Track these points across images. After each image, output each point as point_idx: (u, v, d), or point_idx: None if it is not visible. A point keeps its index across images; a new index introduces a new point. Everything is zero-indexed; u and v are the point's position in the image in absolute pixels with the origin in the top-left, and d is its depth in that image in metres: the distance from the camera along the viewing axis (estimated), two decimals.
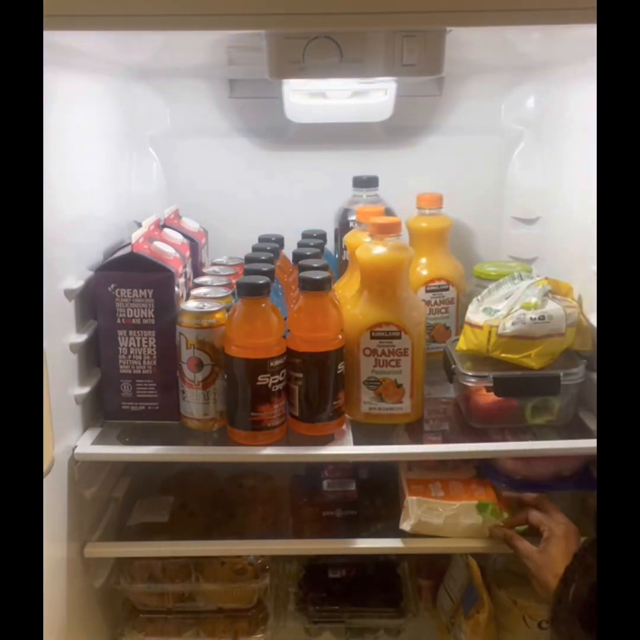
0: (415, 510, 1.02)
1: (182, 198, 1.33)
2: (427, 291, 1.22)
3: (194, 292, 1.07)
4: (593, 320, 1.05)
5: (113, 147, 1.24)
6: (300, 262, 1.09)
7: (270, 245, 1.17)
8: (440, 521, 1.01)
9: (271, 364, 0.97)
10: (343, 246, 1.22)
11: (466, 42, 0.95)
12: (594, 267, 0.95)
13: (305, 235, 1.25)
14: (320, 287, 0.98)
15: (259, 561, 1.13)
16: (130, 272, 1.01)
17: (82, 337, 1.02)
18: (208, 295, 1.04)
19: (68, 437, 1.00)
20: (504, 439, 1.04)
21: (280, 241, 1.22)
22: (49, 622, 0.91)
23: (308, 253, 1.13)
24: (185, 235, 1.18)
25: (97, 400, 1.07)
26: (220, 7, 0.75)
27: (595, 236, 0.70)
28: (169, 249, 1.06)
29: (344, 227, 1.26)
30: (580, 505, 1.12)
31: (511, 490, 1.06)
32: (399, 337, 1.01)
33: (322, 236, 1.25)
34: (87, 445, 1.02)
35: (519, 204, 1.35)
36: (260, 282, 0.97)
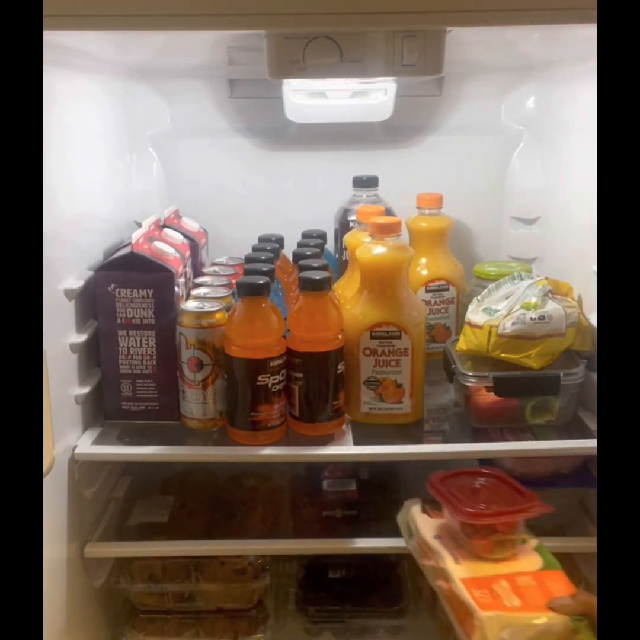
0: (496, 632, 0.76)
1: (182, 198, 1.33)
2: (427, 291, 1.22)
3: (194, 292, 1.07)
4: (593, 320, 1.05)
5: (113, 147, 1.24)
6: (300, 262, 1.09)
7: (270, 245, 1.17)
8: None
9: (271, 364, 0.97)
10: (343, 246, 1.22)
11: (466, 42, 0.95)
12: (594, 267, 0.95)
13: (305, 235, 1.25)
14: (320, 287, 0.98)
15: (259, 561, 1.13)
16: (130, 272, 1.01)
17: (82, 337, 1.02)
18: (208, 295, 1.04)
19: (68, 437, 1.00)
20: (503, 439, 1.04)
21: (280, 241, 1.22)
22: (49, 622, 0.91)
23: (308, 253, 1.13)
24: (185, 235, 1.18)
25: (97, 400, 1.07)
26: (220, 7, 0.75)
27: (595, 236, 0.70)
28: (169, 249, 1.06)
29: (344, 227, 1.26)
30: (579, 505, 1.12)
31: None
32: (399, 337, 1.01)
33: (322, 236, 1.25)
34: (87, 445, 1.02)
35: (519, 204, 1.35)
36: (260, 282, 0.97)
